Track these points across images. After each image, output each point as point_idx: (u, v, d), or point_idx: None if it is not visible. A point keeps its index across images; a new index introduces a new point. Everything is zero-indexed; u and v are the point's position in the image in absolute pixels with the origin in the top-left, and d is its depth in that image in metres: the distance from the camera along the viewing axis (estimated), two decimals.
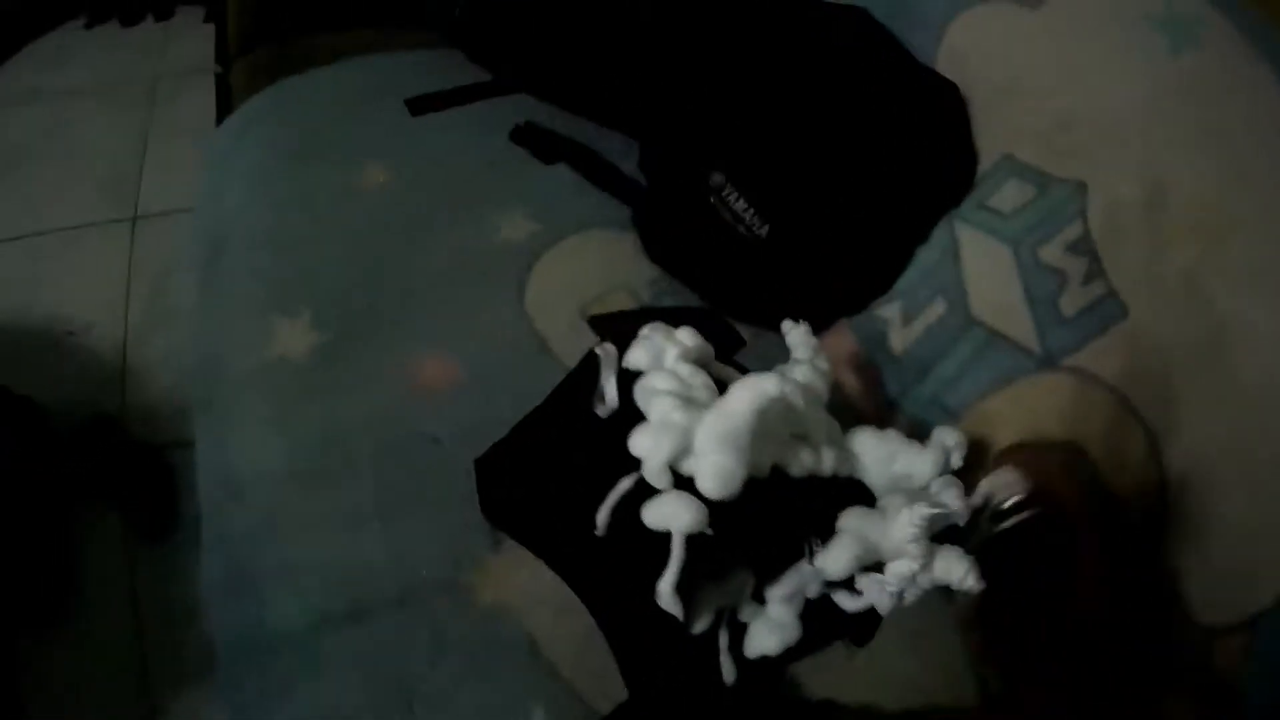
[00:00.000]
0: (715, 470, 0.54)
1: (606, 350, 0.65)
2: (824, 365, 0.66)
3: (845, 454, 0.64)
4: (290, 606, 0.72)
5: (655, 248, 0.88)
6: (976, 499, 0.59)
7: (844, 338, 0.87)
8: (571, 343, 0.81)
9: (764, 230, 0.83)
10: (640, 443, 0.57)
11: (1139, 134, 0.74)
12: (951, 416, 0.78)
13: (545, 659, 0.68)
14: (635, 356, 0.62)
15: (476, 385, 0.80)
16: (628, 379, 0.62)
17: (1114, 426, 0.70)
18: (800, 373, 0.65)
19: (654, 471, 0.56)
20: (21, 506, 1.26)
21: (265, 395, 0.83)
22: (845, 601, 0.60)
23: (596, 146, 0.99)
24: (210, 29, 1.90)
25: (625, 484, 0.58)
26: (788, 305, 0.87)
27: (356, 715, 0.67)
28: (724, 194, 0.85)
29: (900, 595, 0.58)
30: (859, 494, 0.63)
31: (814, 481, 0.62)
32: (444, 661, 0.68)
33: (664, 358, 0.62)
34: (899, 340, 0.84)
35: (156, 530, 1.30)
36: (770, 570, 0.61)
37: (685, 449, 0.56)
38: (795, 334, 0.66)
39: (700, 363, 0.63)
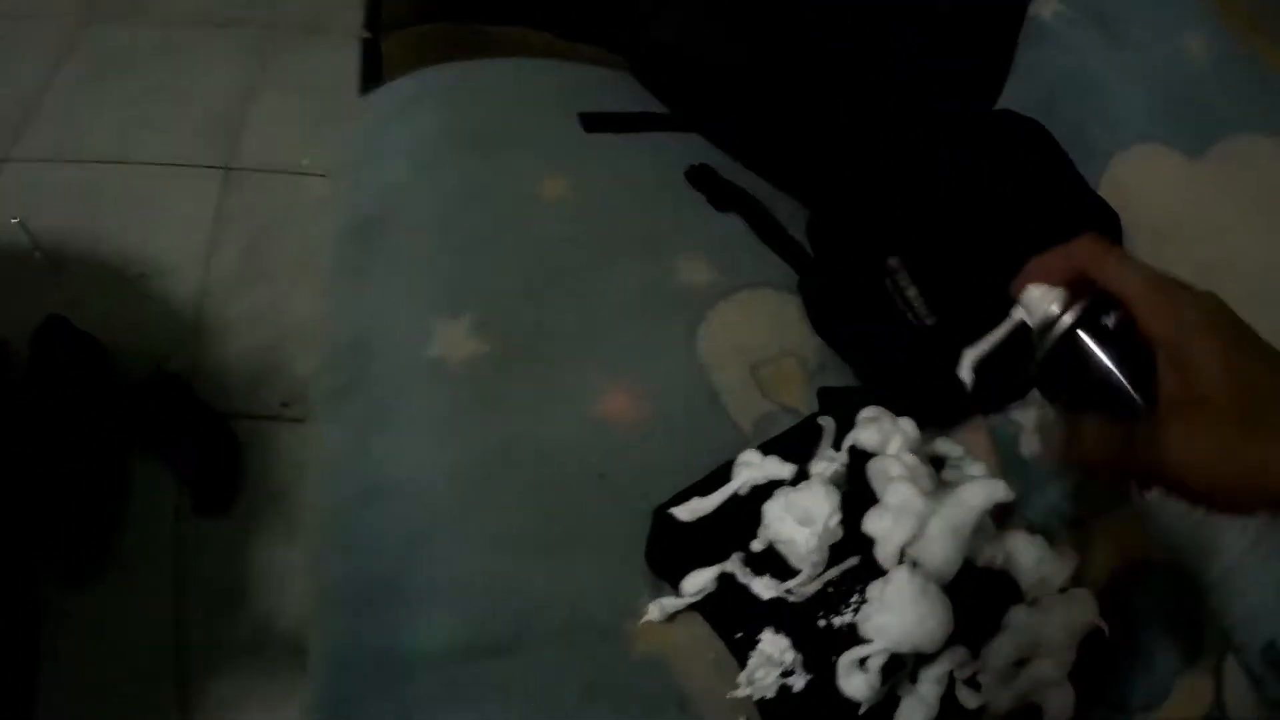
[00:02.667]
0: (944, 557, 0.59)
1: (827, 423, 0.66)
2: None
3: (1005, 550, 0.67)
4: (435, 628, 0.69)
5: (820, 319, 0.88)
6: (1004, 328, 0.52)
7: (979, 433, 0.88)
8: (741, 400, 0.80)
9: (931, 320, 0.84)
10: (878, 525, 0.59)
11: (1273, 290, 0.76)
12: (1067, 526, 0.79)
13: (695, 717, 0.66)
14: (866, 436, 0.63)
15: (652, 426, 0.77)
16: (857, 456, 0.62)
17: None
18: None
19: (888, 553, 0.59)
20: (74, 448, 1.21)
21: (426, 398, 0.80)
22: (966, 698, 0.63)
23: (766, 203, 0.98)
24: None
25: (851, 561, 0.59)
26: (938, 396, 0.89)
27: None
28: (898, 278, 0.85)
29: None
30: (1012, 588, 0.66)
31: (988, 573, 0.65)
32: (594, 707, 0.66)
33: (890, 443, 0.62)
34: (1029, 446, 0.84)
35: (213, 503, 1.25)
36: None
37: (919, 535, 0.59)
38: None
39: (919, 447, 0.64)
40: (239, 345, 1.39)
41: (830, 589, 0.60)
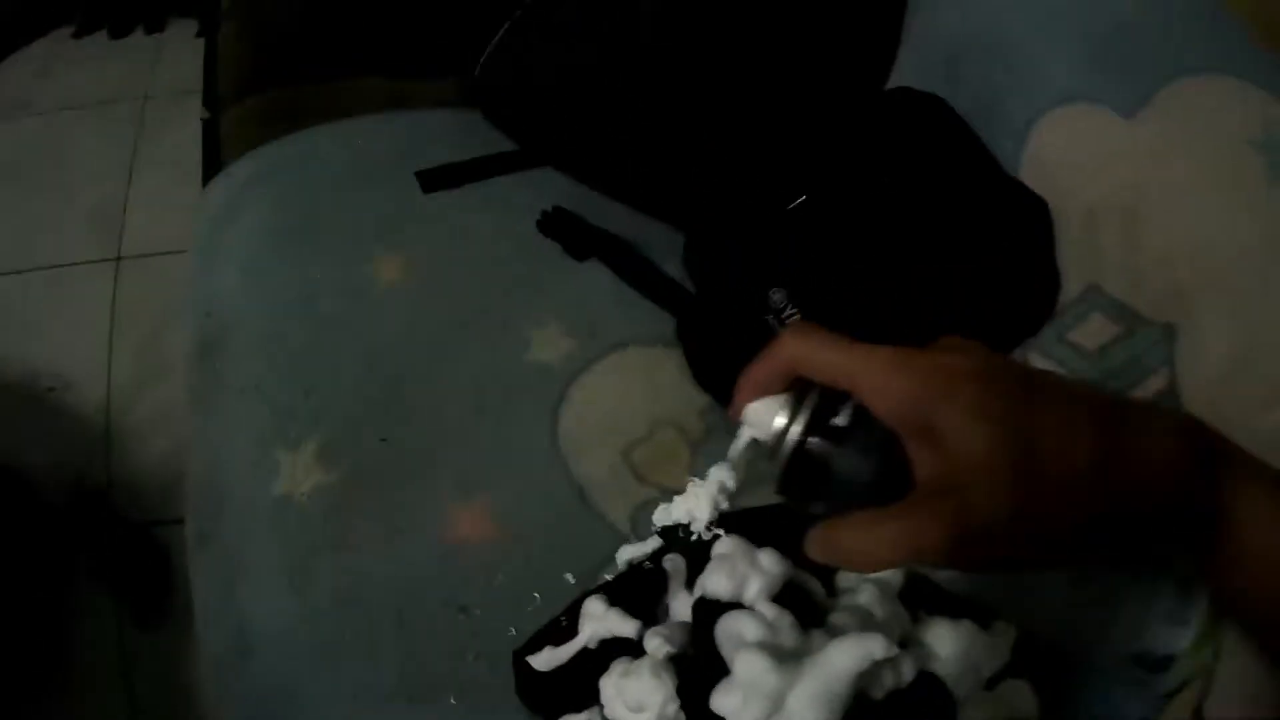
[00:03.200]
0: None
1: (675, 565, 0.57)
2: None
3: (920, 651, 0.57)
4: None
5: (703, 373, 0.78)
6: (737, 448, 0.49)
7: None
8: (614, 491, 0.73)
9: None
10: (726, 702, 0.50)
11: (1236, 277, 0.66)
12: None
13: None
14: (715, 583, 0.53)
15: (510, 544, 0.70)
16: (705, 610, 0.53)
17: None
18: None
19: None
20: (11, 582, 1.18)
21: (273, 542, 0.75)
22: None
23: (635, 237, 0.87)
24: (201, 46, 1.80)
25: None
26: None
27: None
28: (784, 314, 0.75)
29: None
30: (933, 689, 0.55)
31: (895, 696, 0.54)
32: None
33: (746, 588, 0.52)
34: None
35: (150, 615, 1.22)
36: None
37: (776, 711, 0.49)
38: None
39: (791, 584, 0.54)
40: (149, 450, 1.35)
41: None
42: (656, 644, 0.54)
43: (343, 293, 0.85)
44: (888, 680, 0.54)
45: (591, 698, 0.60)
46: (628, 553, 0.62)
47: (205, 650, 0.75)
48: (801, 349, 0.43)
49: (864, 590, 0.58)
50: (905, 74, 0.92)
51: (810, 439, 0.43)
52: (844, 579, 0.60)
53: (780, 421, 0.43)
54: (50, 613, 1.22)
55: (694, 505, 0.56)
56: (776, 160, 0.82)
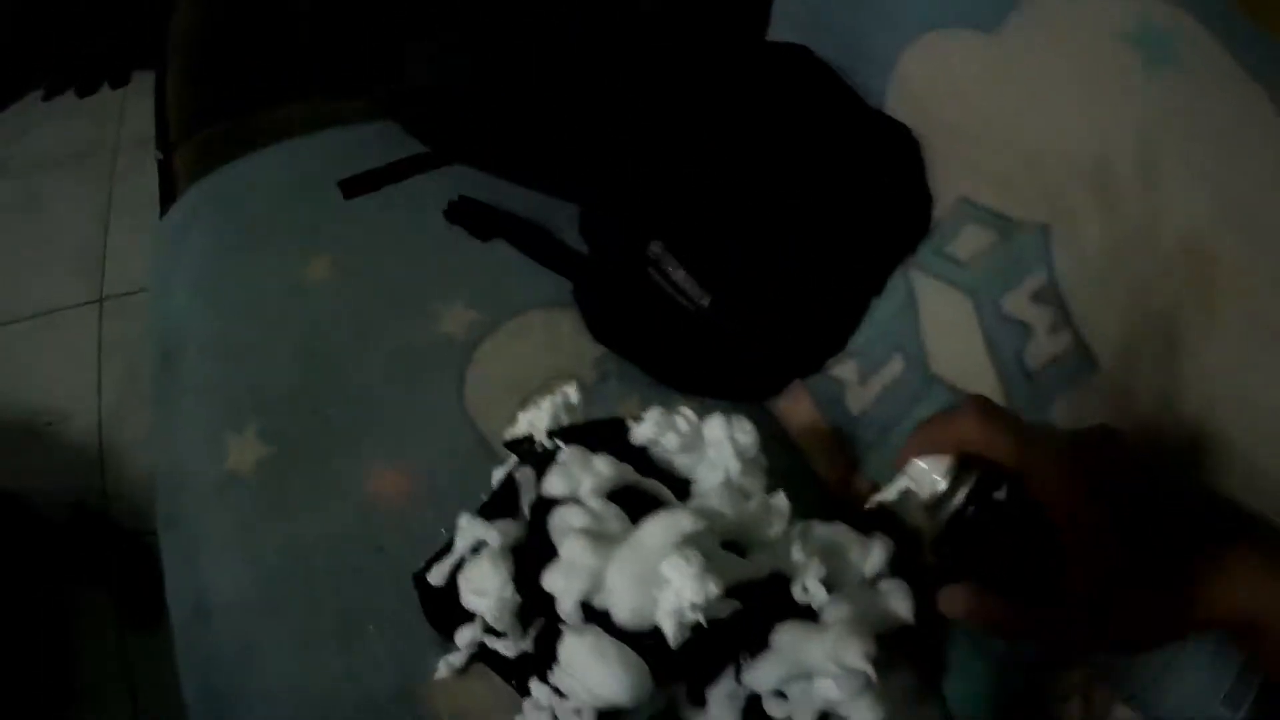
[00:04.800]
0: (631, 608, 0.54)
1: (524, 475, 0.64)
2: (751, 455, 0.64)
3: (786, 549, 0.61)
4: None
5: (597, 325, 0.86)
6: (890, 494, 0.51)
7: (801, 400, 0.84)
8: None
9: (705, 301, 0.81)
10: (553, 581, 0.56)
11: (1110, 169, 0.68)
12: None
13: None
14: (552, 484, 0.61)
15: (423, 495, 0.78)
16: (541, 507, 0.60)
17: None
18: (726, 474, 0.63)
19: (567, 611, 0.56)
20: (15, 602, 1.26)
21: (223, 515, 0.82)
22: (773, 708, 0.58)
23: (537, 217, 0.96)
24: None
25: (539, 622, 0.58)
26: (738, 375, 0.85)
27: None
28: (662, 265, 0.82)
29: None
30: (779, 600, 0.59)
31: (749, 588, 0.58)
32: None
33: (580, 487, 0.59)
34: (856, 401, 0.80)
35: (147, 617, 1.30)
36: (706, 678, 0.59)
37: (598, 587, 0.56)
38: (712, 431, 0.63)
39: (621, 484, 0.60)
40: (140, 466, 1.43)
41: (532, 651, 0.59)
42: (494, 537, 0.61)
43: (280, 294, 0.94)
44: (739, 570, 0.59)
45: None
46: (498, 474, 0.70)
47: (174, 619, 0.83)
48: (980, 432, 0.45)
49: (714, 494, 0.64)
50: (778, 28, 0.98)
51: (969, 508, 0.46)
52: (698, 487, 0.66)
53: (941, 486, 0.46)
54: (54, 624, 1.30)
55: (535, 418, 0.63)
56: (646, 128, 0.89)
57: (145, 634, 1.28)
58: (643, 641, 0.55)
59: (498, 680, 0.67)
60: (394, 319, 0.89)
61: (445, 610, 0.69)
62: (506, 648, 0.64)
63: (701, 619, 0.54)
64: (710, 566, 0.54)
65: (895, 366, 0.78)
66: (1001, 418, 0.46)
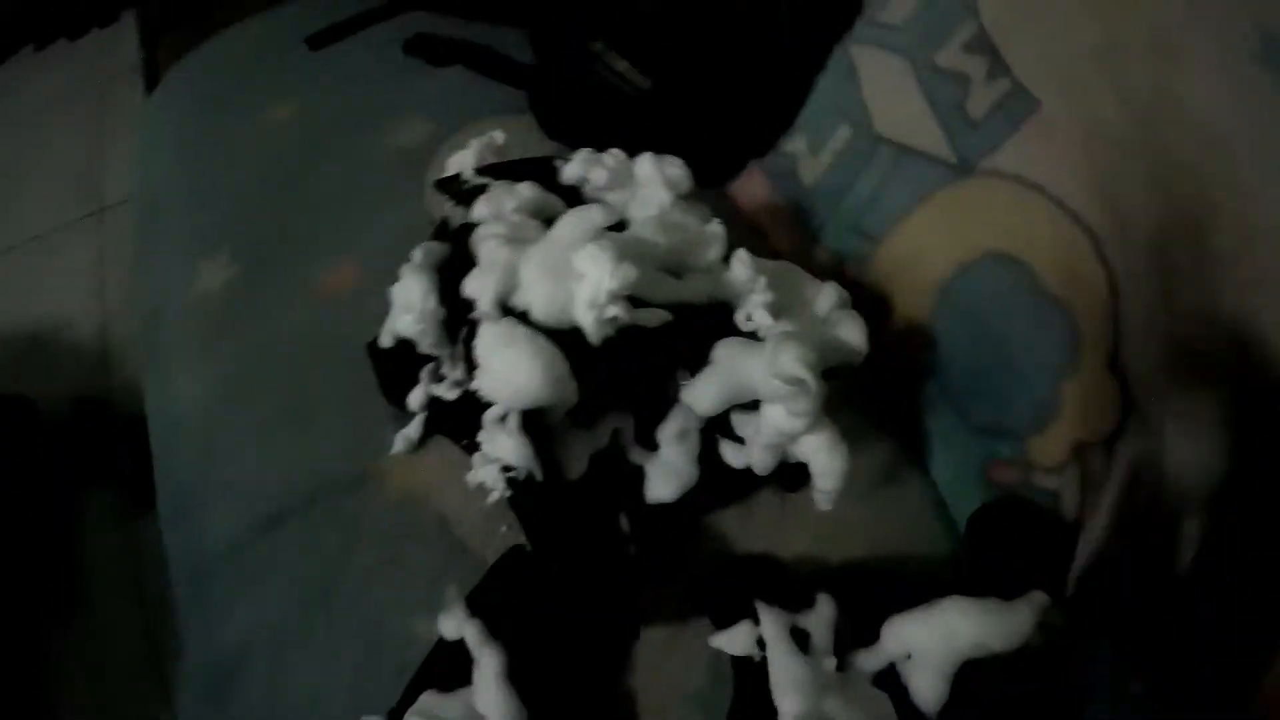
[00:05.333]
0: (544, 300, 0.54)
1: (454, 213, 0.65)
2: (683, 189, 0.64)
3: (728, 279, 0.60)
4: (224, 523, 0.73)
5: (550, 124, 0.87)
6: None
7: (756, 180, 0.85)
8: None
9: (646, 84, 0.82)
10: (470, 285, 0.56)
11: None
12: (873, 241, 0.74)
13: (456, 537, 0.66)
14: (477, 210, 0.61)
15: (375, 282, 0.76)
16: (464, 229, 0.61)
17: (1046, 226, 0.65)
18: (658, 208, 0.63)
19: (485, 310, 0.56)
20: (22, 501, 1.30)
21: (191, 332, 0.85)
22: (730, 455, 0.57)
23: (492, 44, 0.97)
24: None
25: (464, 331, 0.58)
26: (690, 159, 0.85)
27: (282, 620, 0.67)
28: (606, 58, 0.83)
29: (781, 451, 0.54)
30: (720, 318, 0.59)
31: (686, 312, 0.58)
32: (358, 554, 0.67)
33: (502, 209, 0.60)
34: (809, 173, 0.80)
35: (149, 497, 1.32)
36: (650, 411, 0.58)
37: (514, 285, 0.56)
38: (642, 168, 0.63)
39: (544, 214, 0.61)
40: None
41: (461, 363, 0.59)
42: (417, 255, 0.62)
43: (247, 140, 0.97)
44: (669, 289, 0.59)
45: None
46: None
47: (153, 442, 0.85)
48: None
49: (646, 226, 0.63)
50: None
51: None
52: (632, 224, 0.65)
53: None
54: (60, 526, 1.34)
55: (462, 159, 0.64)
56: None
57: (148, 517, 1.31)
58: (563, 340, 0.55)
59: (452, 455, 0.67)
60: (354, 136, 0.91)
61: (399, 379, 0.69)
62: (448, 389, 0.64)
63: (620, 312, 0.54)
64: (626, 254, 0.54)
65: (843, 133, 0.78)
66: None
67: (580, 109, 0.85)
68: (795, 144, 0.82)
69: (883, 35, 0.77)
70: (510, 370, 0.53)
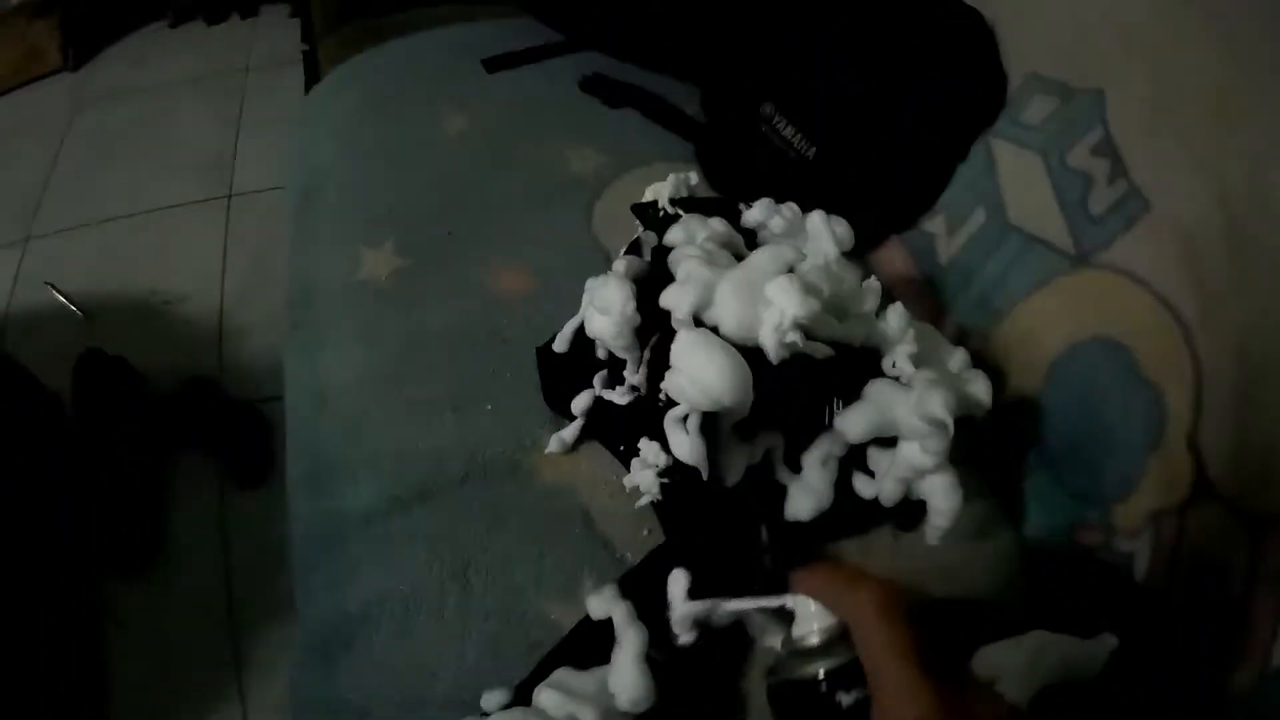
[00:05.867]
0: (734, 318, 0.60)
1: (647, 237, 0.71)
2: (847, 246, 0.70)
3: (879, 328, 0.67)
4: (365, 493, 0.77)
5: (716, 178, 0.94)
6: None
7: (896, 252, 0.92)
8: None
9: (811, 152, 0.88)
10: (669, 296, 0.62)
11: (1146, 35, 0.76)
12: (996, 317, 0.80)
13: (599, 533, 0.71)
14: (671, 235, 0.68)
15: (546, 291, 0.85)
16: (662, 250, 0.67)
17: (1147, 316, 0.71)
18: (824, 259, 0.69)
19: (680, 319, 0.61)
20: (119, 458, 1.35)
21: (351, 313, 0.90)
22: (861, 486, 0.63)
23: (661, 92, 1.05)
24: (296, 24, 1.99)
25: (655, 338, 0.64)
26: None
27: (415, 589, 0.71)
28: (774, 122, 0.91)
29: (907, 486, 0.60)
30: (870, 362, 0.64)
31: (844, 351, 0.64)
32: (502, 536, 0.72)
33: (696, 237, 0.67)
34: (945, 251, 0.88)
35: (250, 477, 1.38)
36: (801, 435, 0.64)
37: (709, 301, 0.61)
38: (813, 223, 0.70)
39: (730, 247, 0.67)
40: (259, 341, 1.53)
41: (648, 367, 0.65)
42: (621, 266, 0.68)
43: (418, 143, 1.03)
44: (835, 329, 0.64)
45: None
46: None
47: (290, 414, 0.89)
48: (866, 627, 0.47)
49: (813, 273, 0.70)
50: None
51: (821, 684, 0.48)
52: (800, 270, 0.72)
53: (812, 641, 0.50)
54: (154, 488, 1.38)
55: (659, 189, 0.71)
56: (758, 14, 0.98)
57: (246, 493, 1.36)
58: (746, 355, 0.59)
59: (603, 458, 0.73)
60: (527, 158, 0.97)
61: (562, 385, 0.76)
62: (620, 395, 0.70)
63: (799, 340, 0.60)
64: (810, 291, 0.61)
65: (978, 218, 0.86)
66: (892, 627, 0.46)
67: (745, 168, 0.92)
68: (935, 224, 0.90)
69: (1021, 133, 0.85)
70: (702, 372, 0.58)
